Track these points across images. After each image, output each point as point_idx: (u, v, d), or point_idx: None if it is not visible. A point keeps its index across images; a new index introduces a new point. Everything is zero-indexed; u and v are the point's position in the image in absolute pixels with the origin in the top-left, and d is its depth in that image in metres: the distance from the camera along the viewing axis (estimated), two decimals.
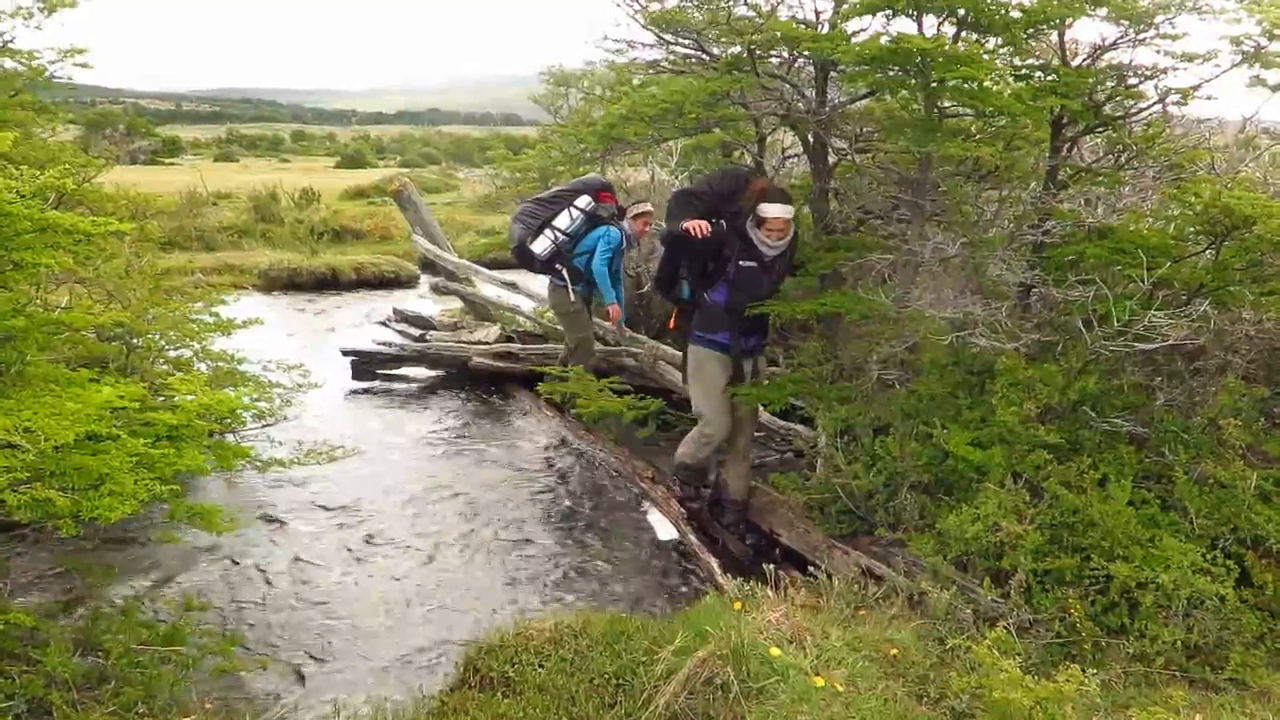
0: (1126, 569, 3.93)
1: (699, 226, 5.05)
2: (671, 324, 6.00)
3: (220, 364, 6.05)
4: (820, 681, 3.68)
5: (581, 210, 7.64)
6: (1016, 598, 4.05)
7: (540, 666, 3.93)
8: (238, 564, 5.44)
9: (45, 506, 3.10)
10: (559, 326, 9.58)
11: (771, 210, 5.14)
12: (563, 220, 7.66)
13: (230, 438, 5.61)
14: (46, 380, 3.61)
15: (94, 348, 5.55)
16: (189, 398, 4.03)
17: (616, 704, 3.69)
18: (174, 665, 3.64)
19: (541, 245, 7.70)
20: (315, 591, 5.18)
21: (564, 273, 7.70)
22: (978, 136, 5.28)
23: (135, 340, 5.81)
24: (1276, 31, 4.28)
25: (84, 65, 5.49)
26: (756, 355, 5.77)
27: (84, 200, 5.79)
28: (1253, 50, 4.32)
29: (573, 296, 7.75)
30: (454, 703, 3.80)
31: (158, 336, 5.93)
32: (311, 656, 4.53)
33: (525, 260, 7.88)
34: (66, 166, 4.84)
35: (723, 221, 5.27)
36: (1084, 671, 3.22)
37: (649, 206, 7.93)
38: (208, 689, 3.96)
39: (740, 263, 5.27)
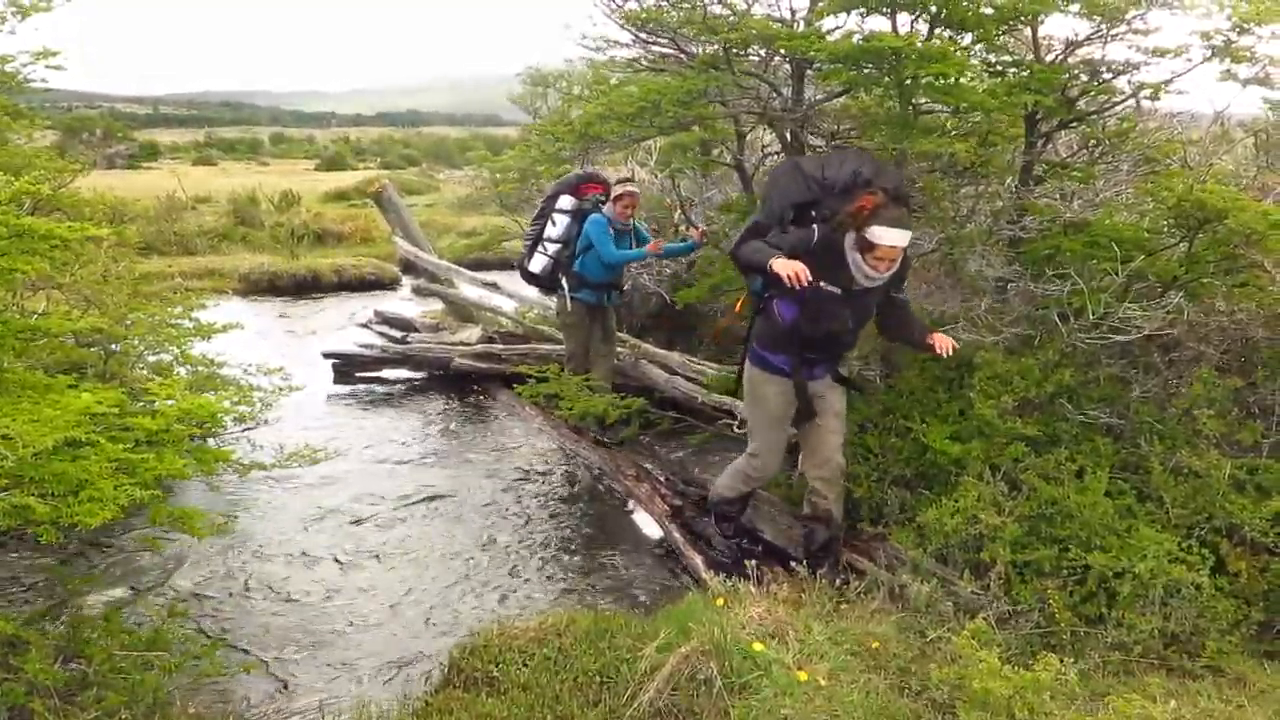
0: (1104, 559, 3.97)
1: (798, 274, 3.95)
2: (738, 307, 4.98)
3: (200, 368, 6.03)
4: (803, 675, 3.70)
5: (565, 211, 7.31)
6: (996, 589, 4.09)
7: (524, 665, 3.95)
8: (220, 568, 5.43)
9: (24, 513, 3.09)
10: (540, 327, 9.61)
11: (888, 236, 4.05)
12: (551, 230, 7.36)
13: (211, 442, 5.59)
14: (24, 386, 3.59)
15: (72, 353, 5.52)
16: (169, 402, 4.02)
17: (601, 701, 3.71)
18: (157, 670, 3.63)
19: (538, 264, 7.43)
20: (298, 594, 5.17)
21: (563, 281, 7.34)
22: (953, 133, 5.31)
23: (114, 345, 5.79)
24: (1246, 26, 4.33)
25: (58, 68, 5.45)
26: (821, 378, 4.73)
27: (60, 205, 5.76)
28: (1223, 44, 4.36)
29: (569, 305, 7.37)
30: (438, 703, 3.81)
31: (136, 341, 5.90)
32: (295, 659, 4.53)
33: (531, 282, 7.73)
34: (42, 172, 4.82)
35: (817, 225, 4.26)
36: (1062, 661, 3.25)
37: (632, 187, 7.25)
38: (191, 693, 3.96)
39: (821, 284, 4.19)
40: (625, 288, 7.99)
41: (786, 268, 3.97)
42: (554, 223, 7.33)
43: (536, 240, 7.44)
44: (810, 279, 3.96)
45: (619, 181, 7.31)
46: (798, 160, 4.51)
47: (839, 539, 4.85)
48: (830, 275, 4.21)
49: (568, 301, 7.36)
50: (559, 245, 7.32)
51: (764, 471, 4.93)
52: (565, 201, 7.30)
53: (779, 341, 4.58)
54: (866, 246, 4.11)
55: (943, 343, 4.27)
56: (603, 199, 7.26)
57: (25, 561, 5.25)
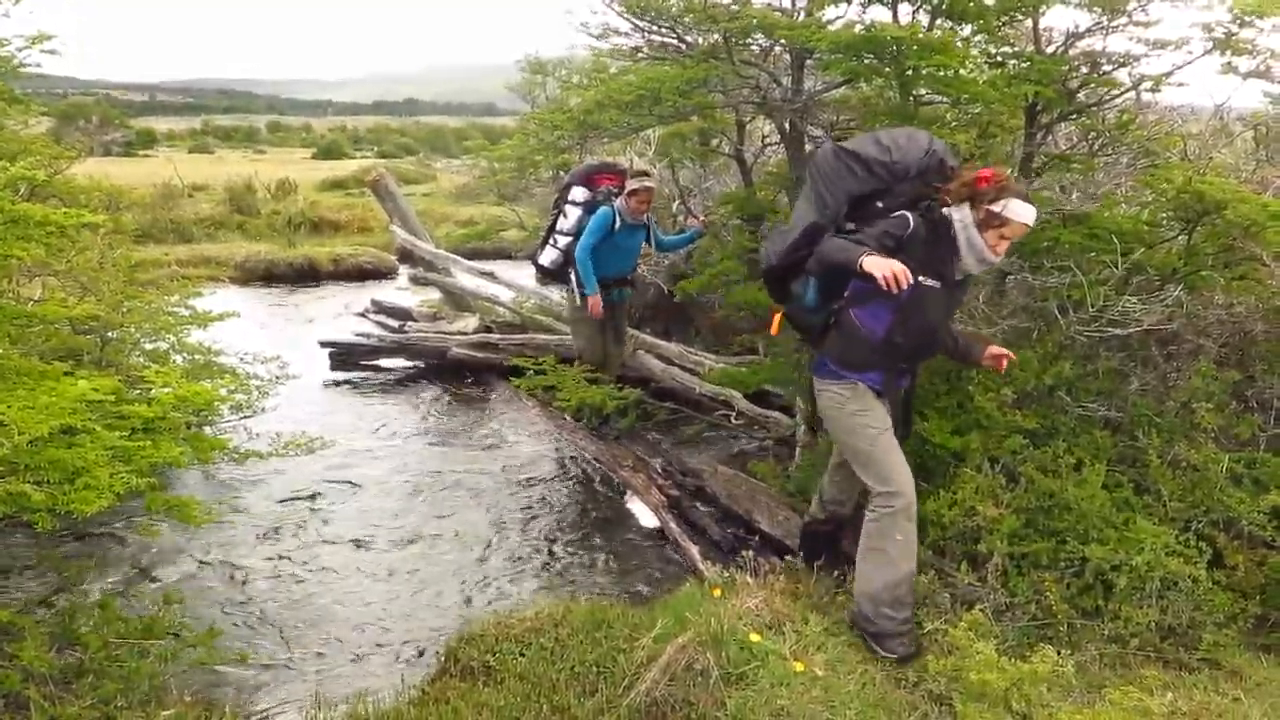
0: (1101, 551, 3.97)
1: (899, 275, 3.38)
2: (774, 329, 4.35)
3: (196, 356, 6.02)
4: (800, 666, 3.71)
5: (577, 203, 7.00)
6: (993, 581, 4.08)
7: (521, 655, 3.94)
8: (216, 557, 5.42)
9: (20, 500, 3.08)
10: (538, 317, 9.59)
11: (1024, 213, 3.59)
12: (563, 222, 7.07)
13: (208, 430, 5.58)
14: (20, 374, 3.58)
15: (68, 341, 5.50)
16: (165, 390, 4.01)
17: (597, 691, 3.71)
18: (152, 658, 3.63)
19: (548, 256, 7.18)
20: (295, 583, 5.17)
21: (573, 276, 7.05)
22: (953, 124, 5.29)
23: (110, 333, 5.77)
24: (1247, 19, 4.31)
25: (53, 52, 5.41)
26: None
27: (56, 192, 5.73)
28: (1224, 37, 4.35)
29: (578, 300, 7.06)
30: (435, 692, 3.81)
31: (133, 329, 5.89)
32: (291, 649, 4.52)
33: (545, 276, 7.52)
34: (38, 158, 4.80)
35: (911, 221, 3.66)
36: (1059, 653, 3.25)
37: (649, 181, 6.91)
38: (187, 682, 3.95)
39: (920, 279, 3.62)
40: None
41: (881, 267, 3.39)
42: (565, 215, 7.07)
43: (549, 233, 7.20)
44: (911, 279, 3.42)
45: (635, 175, 6.95)
46: (844, 147, 3.83)
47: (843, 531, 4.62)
48: (930, 267, 3.67)
49: (576, 296, 7.09)
50: (569, 238, 7.03)
51: (908, 501, 3.89)
52: (578, 193, 7.03)
53: (865, 356, 3.90)
54: (994, 223, 3.60)
55: (999, 358, 3.91)
56: (617, 191, 6.96)
57: (21, 549, 5.23)
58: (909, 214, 3.66)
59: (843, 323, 3.94)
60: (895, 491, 3.86)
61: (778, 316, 4.27)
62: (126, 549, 5.43)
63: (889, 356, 3.89)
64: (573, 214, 7.01)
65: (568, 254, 7.02)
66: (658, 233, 7.23)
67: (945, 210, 3.68)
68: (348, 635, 4.66)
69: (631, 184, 6.82)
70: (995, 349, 3.85)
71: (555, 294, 9.29)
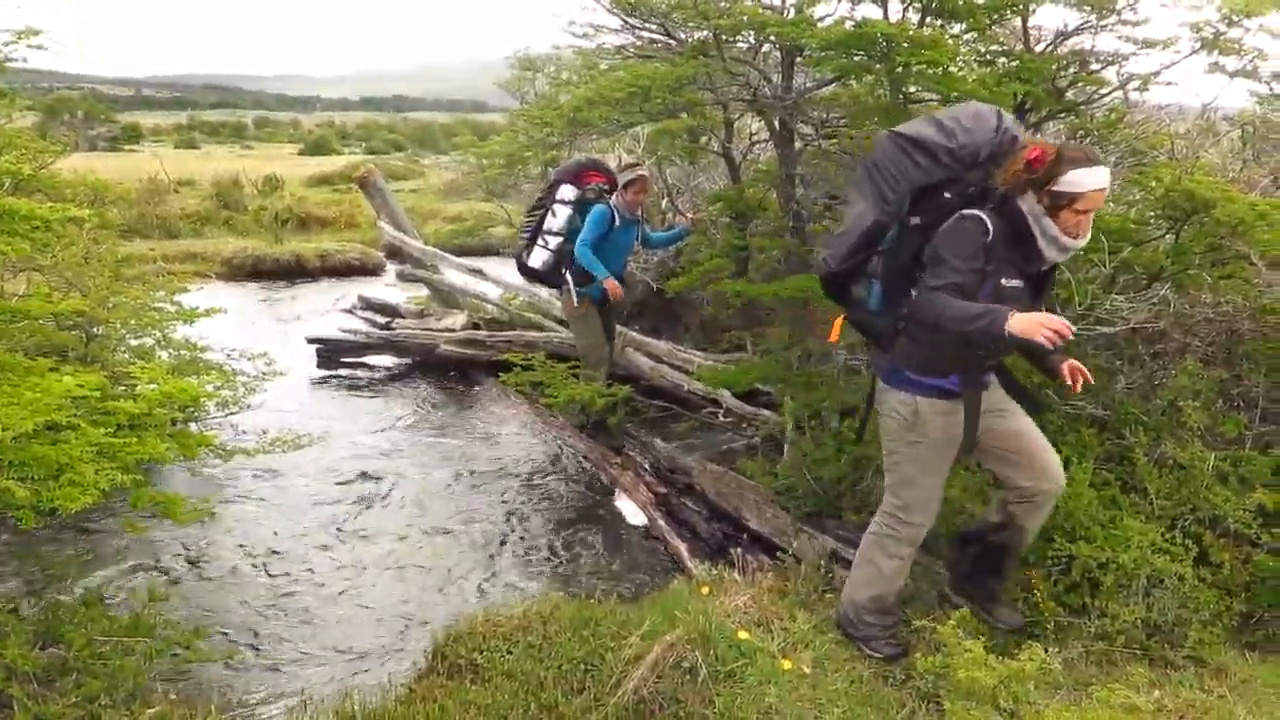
0: (1088, 549, 3.98)
1: (1059, 330, 2.94)
2: (834, 335, 4.04)
3: (182, 352, 6.00)
4: (788, 664, 3.71)
5: (567, 201, 6.77)
6: None
7: (508, 653, 3.93)
8: (202, 554, 5.40)
9: (4, 497, 3.06)
10: (526, 314, 9.57)
11: (1091, 177, 3.16)
12: (551, 222, 6.81)
13: (194, 426, 5.55)
14: (4, 369, 3.55)
15: (53, 336, 5.47)
16: (150, 386, 3.99)
17: (585, 689, 3.70)
18: (137, 656, 3.61)
19: (538, 258, 6.90)
20: (282, 581, 5.15)
21: (568, 276, 6.81)
22: None
23: (95, 329, 5.73)
24: (1235, 18, 4.33)
25: (39, 47, 5.37)
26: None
27: (41, 187, 5.69)
28: (1212, 36, 4.36)
29: (576, 301, 6.85)
30: (422, 690, 3.79)
31: (118, 325, 5.85)
32: (278, 646, 4.51)
33: (531, 278, 7.30)
34: (23, 152, 4.77)
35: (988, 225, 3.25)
36: (1046, 650, 3.26)
37: (643, 171, 6.72)
38: (172, 680, 3.93)
39: (1002, 281, 3.29)
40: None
41: (1035, 330, 2.94)
42: (554, 214, 6.81)
43: (536, 233, 6.91)
44: (1070, 329, 2.97)
45: (626, 167, 6.75)
46: (902, 133, 3.42)
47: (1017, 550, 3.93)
48: (1012, 266, 3.31)
49: (574, 298, 6.83)
50: (560, 238, 6.80)
51: (919, 532, 3.76)
52: (566, 191, 6.79)
53: (942, 361, 3.52)
54: (1062, 203, 3.19)
55: (1075, 374, 3.36)
56: (605, 188, 6.76)
57: (4, 545, 5.20)
58: (982, 215, 3.26)
59: (913, 332, 3.52)
60: (913, 523, 3.72)
61: (838, 322, 3.89)
62: (112, 546, 5.39)
63: (967, 360, 3.51)
64: (562, 213, 6.78)
65: (559, 254, 6.81)
66: (645, 229, 7.10)
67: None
68: (334, 633, 4.65)
69: (626, 175, 6.65)
70: (1073, 363, 3.40)
71: (543, 291, 9.28)
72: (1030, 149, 3.21)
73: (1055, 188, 3.18)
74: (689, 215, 7.07)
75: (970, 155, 3.29)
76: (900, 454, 3.71)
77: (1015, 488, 3.73)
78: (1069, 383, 3.35)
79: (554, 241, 6.82)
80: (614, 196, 6.69)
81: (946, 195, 3.36)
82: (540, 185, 8.09)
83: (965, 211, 3.29)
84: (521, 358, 7.15)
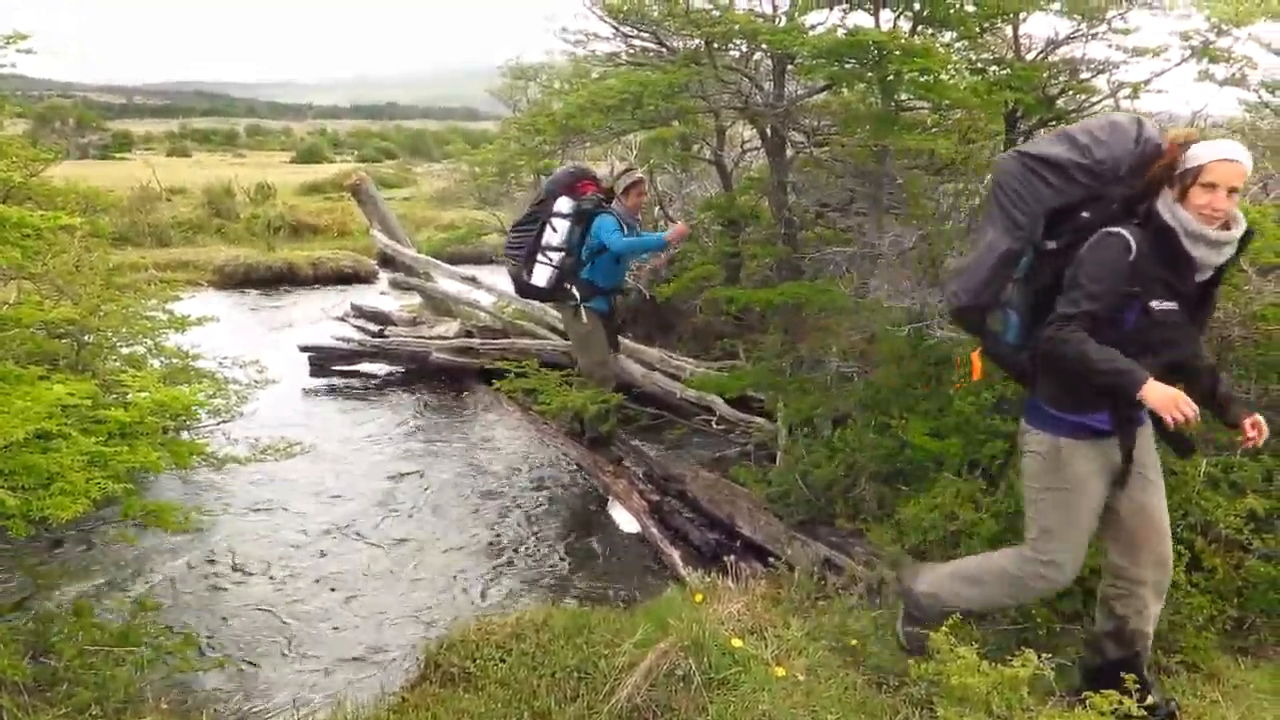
0: None
1: (1184, 412, 2.80)
2: (975, 373, 3.63)
3: (174, 360, 5.97)
4: (781, 671, 3.70)
5: (565, 214, 6.47)
6: None
7: (501, 661, 3.92)
8: (194, 563, 5.38)
9: None
10: (519, 322, 9.56)
11: (1211, 149, 2.91)
12: (551, 236, 6.50)
13: (186, 435, 5.54)
14: None
15: (44, 345, 5.45)
16: (142, 395, 3.98)
17: (579, 697, 3.69)
18: (128, 666, 3.60)
19: (541, 275, 6.57)
20: (274, 590, 5.13)
21: (574, 291, 6.56)
22: (934, 130, 5.32)
23: (86, 337, 5.71)
24: (1224, 27, 4.36)
25: (29, 52, 5.36)
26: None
27: (32, 195, 5.68)
28: (1201, 45, 4.39)
29: (584, 317, 6.61)
30: (415, 699, 3.78)
31: (109, 333, 5.83)
32: (269, 655, 4.49)
33: (533, 296, 6.98)
34: (14, 160, 4.76)
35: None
36: (1040, 656, 3.26)
37: (638, 174, 6.53)
38: (164, 690, 3.91)
39: (1152, 304, 3.00)
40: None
41: (1171, 407, 2.80)
42: (553, 228, 6.49)
43: (533, 249, 6.57)
44: (1194, 409, 2.79)
45: (624, 172, 6.55)
46: (1030, 153, 3.18)
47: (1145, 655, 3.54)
48: (1164, 288, 2.99)
49: (581, 314, 6.60)
50: (561, 253, 6.50)
51: (1060, 582, 3.38)
52: (564, 204, 6.48)
53: (1089, 396, 3.16)
54: (1188, 180, 2.91)
55: (1257, 429, 3.12)
56: (602, 197, 6.51)
57: None
58: (1124, 231, 2.97)
59: (1051, 360, 3.15)
60: (1056, 579, 3.35)
61: (976, 357, 3.57)
62: (103, 555, 5.37)
63: (1114, 398, 3.14)
64: (561, 227, 6.48)
65: (562, 270, 6.52)
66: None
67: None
68: (326, 641, 4.63)
69: (625, 180, 6.47)
70: (1257, 419, 3.12)
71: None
72: (1169, 140, 2.99)
73: (1177, 171, 2.94)
74: (679, 224, 6.85)
75: (1110, 171, 3.03)
76: (1042, 500, 3.33)
77: (1113, 565, 3.42)
78: (1248, 435, 3.13)
79: (556, 257, 6.52)
80: (614, 204, 6.49)
81: (1085, 215, 3.09)
82: (532, 193, 8.05)
83: (1106, 229, 3.01)
84: (515, 365, 7.13)
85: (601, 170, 7.05)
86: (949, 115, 5.27)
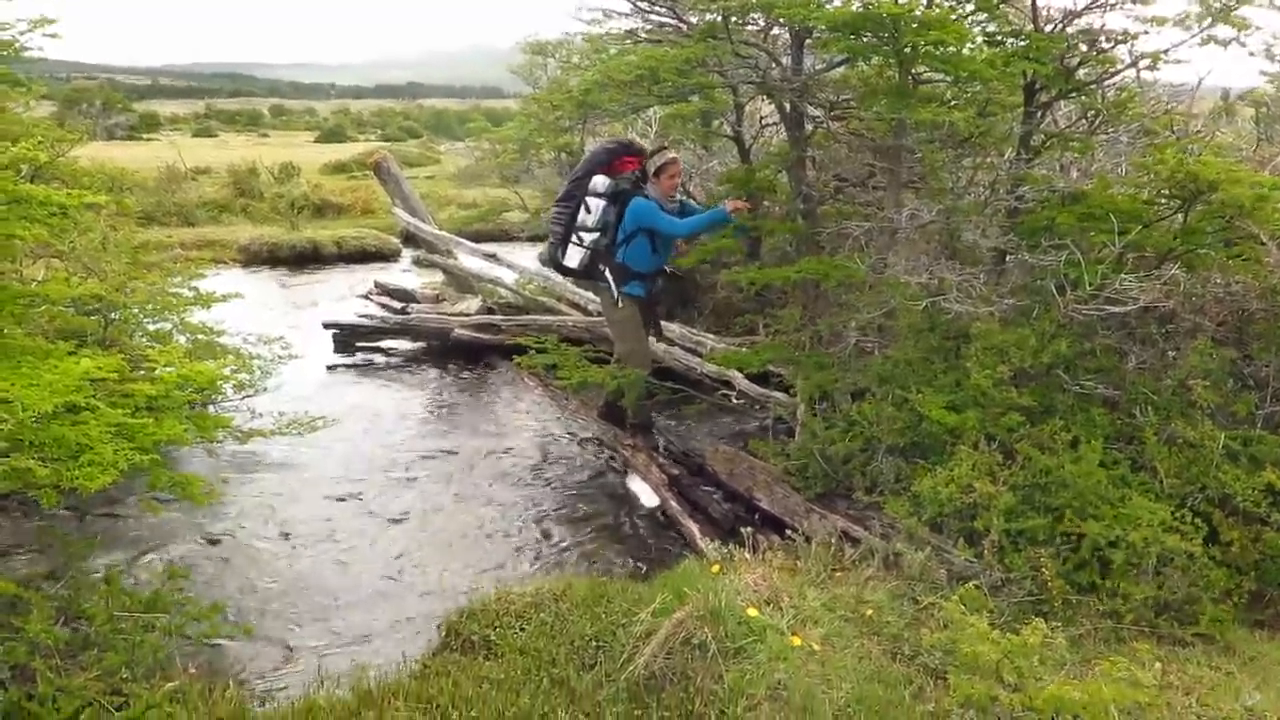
0: (1097, 528, 4.00)
1: None
2: None
3: (199, 336, 6.06)
4: (797, 641, 3.74)
5: (601, 195, 6.19)
6: (990, 557, 4.11)
7: (521, 630, 3.99)
8: (219, 535, 5.47)
9: (24, 476, 3.12)
10: (541, 299, 9.60)
11: None
12: (585, 216, 6.24)
13: (211, 409, 5.63)
14: (24, 352, 3.61)
15: (72, 321, 5.54)
16: (168, 369, 4.05)
17: (597, 665, 3.75)
18: (157, 632, 3.68)
19: (574, 257, 6.37)
20: (298, 561, 5.21)
21: (607, 274, 6.34)
22: (952, 103, 5.30)
23: (113, 314, 5.80)
24: None
25: (54, 35, 5.43)
26: None
27: (59, 174, 5.76)
28: (1220, 10, 4.35)
29: (618, 300, 6.36)
30: (436, 666, 3.85)
31: (136, 310, 5.92)
32: (294, 623, 4.58)
33: (568, 275, 6.81)
34: (41, 140, 4.83)
35: None
36: (1050, 625, 3.29)
37: (671, 154, 6.18)
38: (191, 655, 4.00)
39: None
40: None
41: None
42: (588, 208, 6.23)
43: (568, 229, 6.35)
44: None
45: (656, 151, 6.22)
46: None
47: None
48: None
49: (616, 297, 6.35)
50: (596, 234, 6.24)
51: None
52: (599, 182, 6.20)
53: None
54: None
55: None
56: (639, 176, 6.22)
57: (27, 525, 5.29)
58: None
59: None
60: None
61: None
62: (131, 526, 5.48)
63: None
64: (596, 207, 6.20)
65: (595, 251, 6.30)
66: (691, 205, 6.55)
67: None
68: (349, 611, 4.71)
69: (657, 160, 6.14)
70: None
71: (558, 276, 9.32)
72: None
73: None
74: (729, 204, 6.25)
75: None
76: None
77: None
78: None
79: (589, 238, 6.28)
80: (648, 186, 6.19)
81: None
82: (551, 169, 8.06)
83: None
84: (535, 341, 7.16)
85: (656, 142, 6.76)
86: (967, 88, 5.24)
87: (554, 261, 6.58)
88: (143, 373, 4.44)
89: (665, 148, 6.31)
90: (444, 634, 4.14)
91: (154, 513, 5.02)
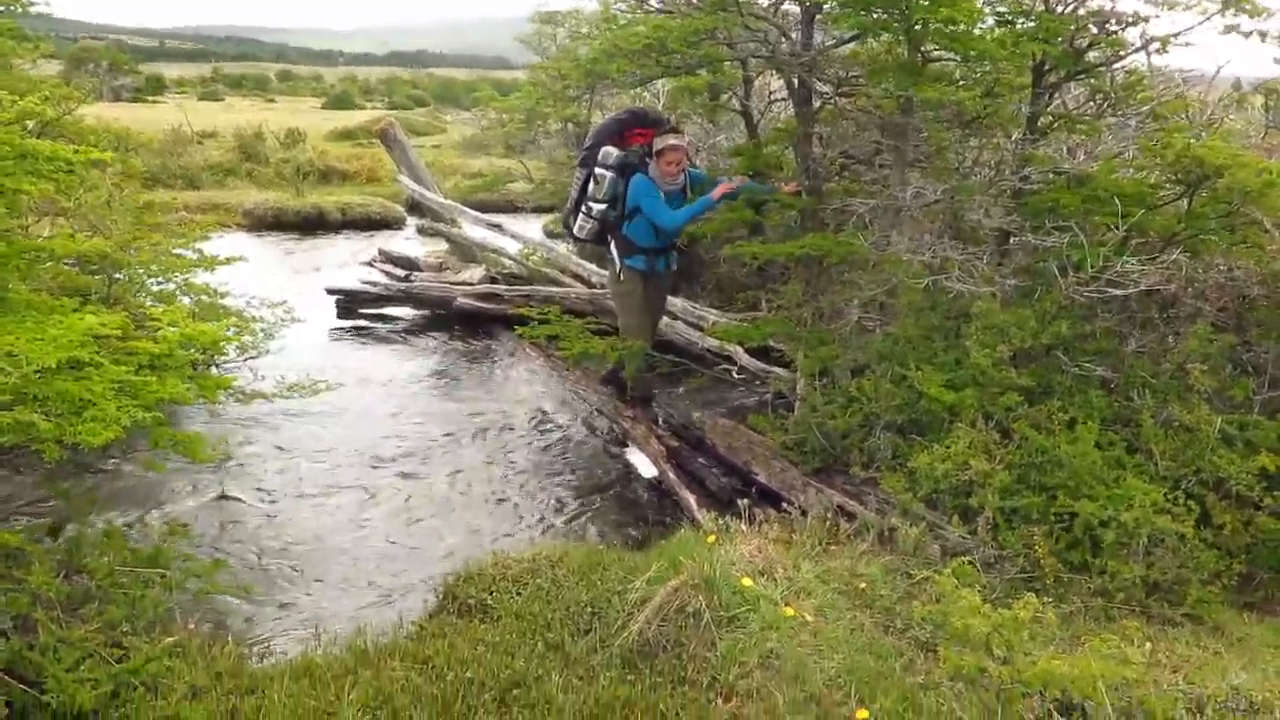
0: (1091, 507, 4.02)
1: None
2: None
3: (203, 297, 6.08)
4: (790, 611, 3.78)
5: (610, 167, 6.16)
6: (984, 534, 4.15)
7: (517, 595, 4.03)
8: (220, 494, 5.51)
9: (28, 429, 3.14)
10: (544, 269, 9.61)
11: None
12: (594, 188, 6.23)
13: (214, 370, 5.65)
14: (28, 307, 3.64)
15: (76, 279, 5.57)
16: (171, 328, 4.07)
17: (591, 630, 3.79)
18: (158, 587, 3.72)
19: (584, 228, 6.41)
20: (298, 524, 5.25)
21: (612, 246, 6.38)
22: (960, 82, 5.28)
23: (118, 273, 5.82)
24: None
25: None
26: None
27: (65, 132, 5.77)
28: None
29: (620, 273, 6.39)
30: (433, 628, 3.90)
31: (140, 269, 5.94)
32: (292, 583, 4.63)
33: (578, 243, 7.00)
34: (48, 96, 4.84)
35: None
36: (1040, 599, 3.32)
37: (674, 140, 6.05)
38: (191, 611, 4.05)
39: None
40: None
41: None
42: (596, 180, 6.21)
43: (579, 199, 6.37)
44: None
45: (661, 134, 6.09)
46: None
47: None
48: None
49: (619, 269, 6.39)
50: (604, 205, 6.23)
51: None
52: (608, 154, 6.17)
53: None
54: None
55: None
56: (646, 150, 6.12)
57: (30, 481, 5.33)
58: None
59: None
60: None
61: None
62: (132, 484, 5.52)
63: None
64: (605, 179, 6.18)
65: (603, 223, 6.31)
66: (699, 184, 6.33)
67: None
68: (347, 573, 4.76)
69: (657, 144, 6.05)
70: None
71: (561, 246, 9.33)
72: None
73: None
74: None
75: None
76: None
77: None
78: None
79: (597, 209, 6.27)
80: (650, 167, 6.11)
81: None
82: (559, 140, 8.03)
83: None
84: (538, 312, 7.17)
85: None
86: (976, 68, 5.22)
87: (566, 228, 6.65)
88: (146, 332, 4.46)
89: (671, 129, 6.21)
90: (441, 597, 4.19)
91: (156, 470, 5.06)
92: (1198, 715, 3.01)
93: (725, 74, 6.26)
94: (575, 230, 6.49)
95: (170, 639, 3.52)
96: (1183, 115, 5.43)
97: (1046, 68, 5.00)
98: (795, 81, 5.67)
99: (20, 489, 5.26)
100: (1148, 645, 3.29)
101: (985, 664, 3.07)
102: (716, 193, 5.88)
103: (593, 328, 7.04)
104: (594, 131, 6.51)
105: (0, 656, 3.09)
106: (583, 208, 6.34)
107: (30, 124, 4.31)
